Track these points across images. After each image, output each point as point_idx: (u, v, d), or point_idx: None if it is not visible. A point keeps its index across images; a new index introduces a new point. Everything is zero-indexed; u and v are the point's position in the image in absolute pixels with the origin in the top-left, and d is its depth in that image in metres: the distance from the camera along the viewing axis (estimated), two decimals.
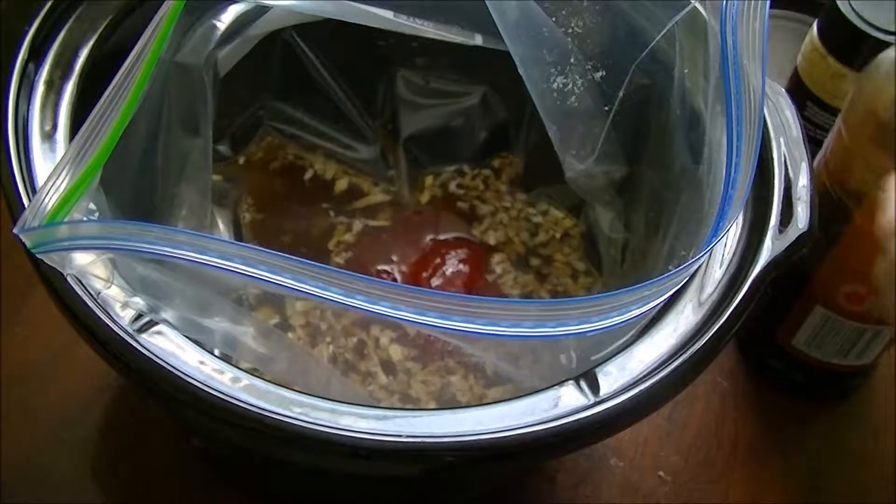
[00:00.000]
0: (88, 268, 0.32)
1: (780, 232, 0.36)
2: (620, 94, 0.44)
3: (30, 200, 0.33)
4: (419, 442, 0.31)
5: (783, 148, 0.39)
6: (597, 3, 0.43)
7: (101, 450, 0.47)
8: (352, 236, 0.52)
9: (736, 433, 0.50)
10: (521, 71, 0.42)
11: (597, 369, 0.33)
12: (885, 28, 0.47)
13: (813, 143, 0.53)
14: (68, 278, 0.32)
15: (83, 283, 0.32)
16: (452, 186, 0.54)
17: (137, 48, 0.35)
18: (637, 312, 0.31)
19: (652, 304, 0.31)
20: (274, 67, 0.50)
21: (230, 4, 0.43)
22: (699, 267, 0.36)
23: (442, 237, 0.52)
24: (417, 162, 0.54)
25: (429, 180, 0.54)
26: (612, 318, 0.30)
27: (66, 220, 0.32)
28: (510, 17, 0.41)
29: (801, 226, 0.37)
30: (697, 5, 0.40)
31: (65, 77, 0.38)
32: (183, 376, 0.31)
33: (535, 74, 0.43)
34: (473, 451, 0.31)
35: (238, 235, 0.51)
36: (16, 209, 0.34)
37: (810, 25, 0.51)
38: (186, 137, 0.44)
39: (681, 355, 0.34)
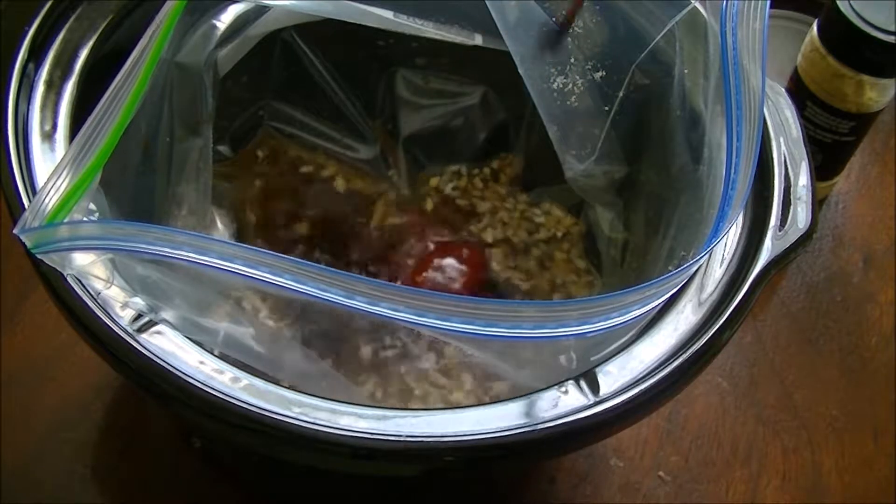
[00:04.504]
0: (88, 268, 0.32)
1: (780, 232, 0.36)
2: (620, 94, 0.44)
3: (30, 201, 0.33)
4: (419, 442, 0.31)
5: (783, 148, 0.39)
6: (597, 3, 0.43)
7: (101, 450, 0.47)
8: None
9: (736, 433, 0.50)
10: (521, 71, 0.42)
11: (597, 369, 0.33)
12: (885, 28, 0.47)
13: (813, 143, 0.53)
14: (68, 278, 0.32)
15: (83, 283, 0.32)
16: (452, 186, 0.54)
17: (138, 48, 0.35)
18: (637, 313, 0.31)
19: (652, 305, 0.31)
20: (274, 67, 0.50)
21: (230, 4, 0.43)
22: (699, 267, 0.36)
23: (442, 237, 0.52)
24: (417, 162, 0.54)
25: (429, 180, 0.54)
26: (612, 318, 0.30)
27: (66, 220, 0.32)
28: (510, 17, 0.41)
29: (800, 226, 0.37)
30: (697, 5, 0.40)
31: (65, 77, 0.38)
32: (183, 376, 0.31)
33: (535, 74, 0.43)
34: (473, 451, 0.31)
35: (238, 235, 0.51)
36: (16, 209, 0.34)
37: (810, 25, 0.51)
38: (186, 137, 0.44)
39: (681, 355, 0.34)
